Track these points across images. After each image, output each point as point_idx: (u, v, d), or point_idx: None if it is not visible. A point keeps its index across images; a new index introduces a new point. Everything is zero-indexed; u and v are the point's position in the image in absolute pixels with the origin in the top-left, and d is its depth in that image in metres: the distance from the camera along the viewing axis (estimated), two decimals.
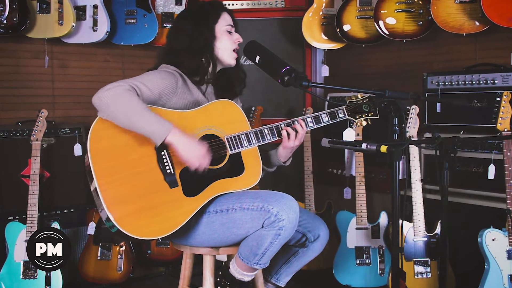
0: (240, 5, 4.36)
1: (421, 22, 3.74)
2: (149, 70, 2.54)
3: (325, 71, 4.50)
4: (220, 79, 2.70)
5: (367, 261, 3.64)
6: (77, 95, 4.19)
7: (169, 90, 2.44)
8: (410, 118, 3.34)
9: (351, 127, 2.69)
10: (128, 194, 2.26)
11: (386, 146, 2.03)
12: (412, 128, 3.35)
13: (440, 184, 2.21)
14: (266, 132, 2.50)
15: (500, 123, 3.01)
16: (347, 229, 3.67)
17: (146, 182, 2.30)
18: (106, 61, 4.35)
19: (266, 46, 2.49)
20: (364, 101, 2.56)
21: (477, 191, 3.29)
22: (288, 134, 2.53)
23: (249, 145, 2.48)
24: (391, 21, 3.84)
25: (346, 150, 3.88)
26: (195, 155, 2.30)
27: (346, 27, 4.07)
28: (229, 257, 2.71)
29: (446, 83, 3.47)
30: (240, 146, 2.47)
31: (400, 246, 2.16)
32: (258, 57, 2.43)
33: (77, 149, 3.81)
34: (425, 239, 3.34)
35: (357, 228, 3.66)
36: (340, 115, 2.57)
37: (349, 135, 3.66)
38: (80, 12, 3.92)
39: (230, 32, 2.62)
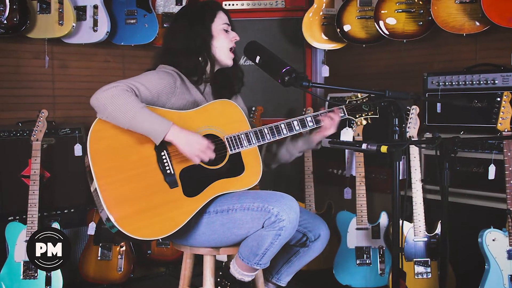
0: (241, 5, 4.36)
1: (421, 22, 3.74)
2: (147, 71, 2.55)
3: (325, 71, 4.50)
4: (218, 78, 2.70)
5: (367, 261, 3.64)
6: (77, 95, 4.19)
7: (167, 90, 2.44)
8: (411, 118, 3.34)
9: (351, 126, 2.69)
10: (128, 195, 2.26)
11: (387, 146, 2.03)
12: (413, 128, 3.35)
13: (441, 184, 2.21)
14: (266, 131, 2.50)
15: (500, 123, 3.01)
16: (347, 229, 3.67)
17: (146, 182, 2.30)
18: (106, 61, 4.35)
19: (266, 46, 2.48)
20: (364, 100, 2.56)
21: (477, 191, 3.29)
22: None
23: (249, 145, 2.48)
24: (391, 21, 3.84)
25: (346, 150, 3.88)
26: (197, 149, 2.30)
27: (346, 27, 4.07)
28: (229, 257, 2.71)
29: (447, 83, 3.47)
30: (240, 146, 2.47)
31: (400, 246, 2.16)
32: (258, 57, 2.43)
33: (78, 149, 3.81)
34: (426, 239, 3.34)
35: (357, 228, 3.66)
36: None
37: (347, 134, 3.66)
38: (80, 12, 3.93)
39: (226, 31, 2.63)
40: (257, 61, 2.44)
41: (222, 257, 2.86)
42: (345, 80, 4.58)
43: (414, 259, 3.34)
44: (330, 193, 4.14)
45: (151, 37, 4.09)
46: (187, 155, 2.31)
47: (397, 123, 2.14)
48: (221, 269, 2.52)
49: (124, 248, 3.79)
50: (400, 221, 2.11)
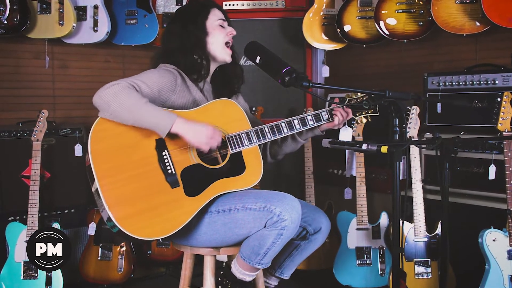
0: (241, 5, 4.36)
1: (421, 23, 3.74)
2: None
3: (325, 71, 4.50)
4: (217, 77, 2.70)
5: (367, 262, 3.63)
6: (77, 96, 4.19)
7: (168, 88, 2.44)
8: (411, 118, 3.34)
9: (351, 126, 2.69)
10: (129, 195, 2.26)
11: (387, 147, 2.03)
12: (413, 129, 3.35)
13: (441, 184, 2.21)
14: (267, 130, 2.51)
15: (500, 123, 3.01)
16: (347, 230, 3.67)
17: (148, 182, 2.30)
18: (106, 61, 4.35)
19: (267, 47, 2.48)
20: (364, 99, 2.56)
21: (478, 191, 3.29)
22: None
23: (249, 144, 2.49)
24: (391, 21, 3.84)
25: (346, 151, 3.88)
26: (205, 137, 2.31)
27: (346, 28, 4.07)
28: (230, 257, 2.72)
29: (447, 84, 3.47)
30: (241, 145, 2.47)
31: (400, 246, 2.16)
32: (258, 58, 2.43)
33: (78, 150, 3.81)
34: (426, 239, 3.34)
35: (357, 229, 3.66)
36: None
37: (346, 134, 3.66)
38: (80, 12, 3.93)
39: (222, 26, 2.63)
40: (257, 61, 2.44)
41: (223, 257, 2.86)
42: (346, 80, 4.58)
43: (415, 259, 3.34)
44: (330, 193, 4.15)
45: (151, 37, 4.09)
46: (196, 145, 2.32)
47: (397, 123, 2.14)
48: (222, 268, 2.52)
49: (124, 248, 3.79)
50: (401, 221, 2.10)
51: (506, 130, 3.01)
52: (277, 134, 2.52)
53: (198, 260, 2.63)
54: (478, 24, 3.46)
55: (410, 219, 3.36)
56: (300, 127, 2.55)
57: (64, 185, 3.80)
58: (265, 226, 2.30)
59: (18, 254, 3.37)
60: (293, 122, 2.54)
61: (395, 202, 2.09)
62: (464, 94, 3.40)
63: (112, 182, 2.25)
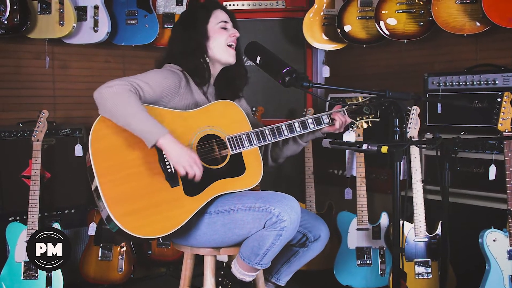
0: (241, 5, 4.36)
1: (422, 23, 3.74)
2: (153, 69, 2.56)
3: (326, 71, 4.50)
4: (221, 78, 2.70)
5: (368, 262, 3.63)
6: (78, 96, 4.20)
7: (171, 89, 2.44)
8: (411, 118, 3.34)
9: (351, 128, 2.69)
10: (129, 193, 2.26)
11: (387, 147, 2.03)
12: (413, 129, 3.35)
13: (441, 184, 2.21)
14: (267, 132, 2.51)
15: (501, 123, 3.01)
16: (348, 230, 3.67)
17: (147, 181, 2.30)
18: (107, 61, 4.35)
19: (267, 47, 2.49)
20: (365, 103, 2.56)
21: (478, 191, 3.29)
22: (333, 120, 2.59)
23: (250, 145, 2.49)
24: (392, 21, 3.84)
25: (347, 151, 3.88)
26: (184, 162, 2.28)
27: (347, 28, 4.07)
28: (230, 257, 2.72)
29: (447, 84, 3.47)
30: (241, 147, 2.48)
31: (401, 246, 2.16)
32: (259, 58, 2.43)
33: (78, 150, 3.81)
34: (426, 239, 3.34)
35: (358, 229, 3.66)
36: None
37: (350, 137, 3.66)
38: (81, 12, 3.93)
39: (225, 28, 2.62)
40: (257, 61, 2.44)
41: (223, 258, 2.86)
42: (346, 80, 4.58)
43: (415, 260, 3.34)
44: (330, 194, 4.15)
45: (151, 38, 4.09)
46: (174, 164, 2.29)
47: (397, 124, 2.15)
48: (223, 268, 2.52)
49: (124, 248, 3.79)
50: (401, 222, 2.11)
51: (507, 130, 3.01)
52: (277, 136, 2.52)
53: (199, 261, 2.63)
54: (478, 24, 3.46)
55: (411, 219, 3.36)
56: (301, 130, 2.55)
57: (64, 185, 3.80)
58: (264, 227, 2.30)
59: (19, 254, 3.37)
60: (294, 125, 2.54)
61: (395, 202, 2.09)
62: (465, 94, 3.40)
63: (112, 180, 2.25)
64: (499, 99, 3.11)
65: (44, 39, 3.91)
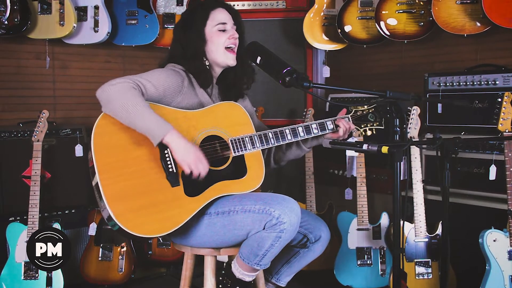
0: (242, 5, 4.36)
1: (422, 23, 3.74)
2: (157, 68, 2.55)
3: (326, 72, 4.50)
4: (223, 78, 2.69)
5: (368, 262, 3.63)
6: (78, 96, 4.20)
7: (174, 89, 2.44)
8: (411, 119, 3.34)
9: (353, 136, 2.70)
10: (129, 191, 2.26)
11: (387, 147, 2.03)
12: (413, 129, 3.34)
13: (441, 185, 2.21)
14: (271, 136, 2.50)
15: (501, 123, 3.01)
16: (348, 230, 3.67)
17: (148, 179, 2.30)
18: (107, 62, 4.35)
19: (267, 47, 2.48)
20: (370, 111, 2.55)
21: (478, 191, 3.29)
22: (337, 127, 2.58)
23: (252, 148, 2.48)
24: (392, 22, 3.84)
25: (347, 151, 3.88)
26: (189, 160, 2.28)
27: (347, 28, 4.07)
28: (230, 257, 2.72)
29: (447, 84, 3.47)
30: (243, 149, 2.47)
31: (401, 247, 2.16)
32: (259, 58, 2.43)
33: (78, 150, 3.81)
34: (426, 240, 3.34)
35: (358, 229, 3.66)
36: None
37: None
38: (81, 13, 3.93)
39: (224, 30, 2.57)
40: (258, 61, 2.44)
41: (223, 258, 2.86)
42: (346, 80, 4.58)
43: (415, 260, 3.34)
44: (331, 194, 4.15)
45: (151, 38, 4.10)
46: (180, 161, 2.28)
47: (398, 124, 2.14)
48: (224, 268, 2.52)
49: (125, 248, 3.79)
50: (401, 222, 2.10)
51: (507, 131, 3.01)
52: (280, 140, 2.51)
53: (199, 261, 2.63)
54: (478, 24, 3.46)
55: (411, 220, 3.36)
56: (304, 135, 2.54)
57: (64, 186, 3.80)
58: (264, 228, 2.30)
59: (19, 254, 3.37)
60: (298, 130, 2.53)
61: (395, 202, 2.09)
62: (465, 95, 3.40)
63: (112, 177, 2.25)
64: (499, 99, 3.11)
65: (44, 39, 3.91)
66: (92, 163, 2.26)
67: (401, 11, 3.80)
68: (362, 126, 2.59)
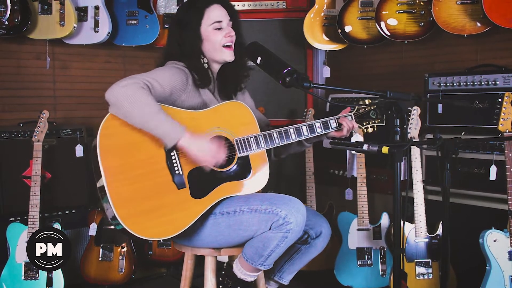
0: (242, 6, 4.36)
1: (422, 23, 3.74)
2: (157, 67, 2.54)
3: (326, 72, 4.50)
4: (222, 73, 2.67)
5: (368, 262, 3.63)
6: (78, 96, 4.20)
7: (179, 86, 2.43)
8: (412, 119, 3.34)
9: (354, 131, 2.70)
10: (135, 194, 2.26)
11: (388, 147, 2.03)
12: (414, 129, 3.34)
13: (442, 185, 2.21)
14: (275, 136, 2.50)
15: (501, 124, 3.00)
16: (348, 230, 3.67)
17: (154, 182, 2.30)
18: (107, 62, 4.35)
19: (268, 47, 2.48)
20: (372, 108, 2.56)
21: (479, 192, 3.28)
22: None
23: (257, 148, 2.48)
24: (392, 22, 3.84)
25: (347, 151, 3.88)
26: (209, 155, 2.31)
27: (347, 28, 4.07)
28: (231, 257, 2.72)
29: (448, 84, 3.47)
30: (248, 149, 2.47)
31: (401, 247, 2.16)
32: (259, 58, 2.43)
33: (79, 150, 3.81)
34: (427, 240, 3.34)
35: (358, 229, 3.66)
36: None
37: (357, 139, 3.66)
38: (81, 13, 3.93)
39: (219, 28, 2.55)
40: (258, 62, 2.44)
41: (223, 258, 2.86)
42: (346, 81, 4.58)
43: (415, 260, 3.33)
44: (331, 194, 4.15)
45: (152, 38, 4.09)
46: (200, 161, 2.31)
47: (398, 124, 2.14)
48: (224, 268, 2.52)
49: (125, 249, 3.78)
50: (401, 222, 2.10)
51: (507, 131, 3.01)
52: (285, 139, 2.51)
53: (199, 261, 2.63)
54: (479, 24, 3.46)
55: (411, 220, 3.36)
56: (308, 134, 2.55)
57: (65, 186, 3.80)
58: (270, 229, 2.30)
59: (19, 254, 3.36)
60: (302, 129, 2.53)
61: (396, 202, 2.09)
62: (465, 95, 3.40)
63: (119, 180, 2.25)
64: (499, 100, 3.11)
65: (44, 40, 3.91)
66: (97, 164, 2.25)
67: (402, 12, 3.80)
68: (364, 124, 2.59)
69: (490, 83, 3.30)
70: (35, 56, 4.00)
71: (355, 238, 3.66)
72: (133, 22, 4.09)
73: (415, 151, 3.34)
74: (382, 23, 3.86)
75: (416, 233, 3.33)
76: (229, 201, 2.42)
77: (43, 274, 3.35)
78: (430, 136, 3.48)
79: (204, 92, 2.56)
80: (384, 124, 2.56)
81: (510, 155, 2.98)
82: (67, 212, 3.83)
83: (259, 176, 2.50)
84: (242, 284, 2.43)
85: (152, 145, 2.31)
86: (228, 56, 2.58)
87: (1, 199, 3.59)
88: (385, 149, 2.04)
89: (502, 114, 3.00)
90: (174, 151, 2.34)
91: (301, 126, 2.54)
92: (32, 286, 3.36)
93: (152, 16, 4.08)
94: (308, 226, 2.59)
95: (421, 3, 3.74)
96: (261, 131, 2.53)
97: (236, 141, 2.46)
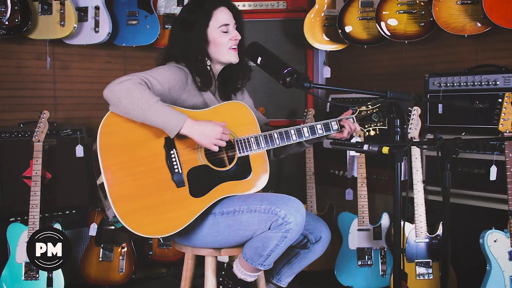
0: (242, 6, 4.36)
1: (422, 23, 3.74)
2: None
3: (326, 72, 4.50)
4: (222, 73, 2.68)
5: (369, 262, 3.63)
6: (78, 96, 4.20)
7: (179, 85, 2.43)
8: (412, 119, 3.34)
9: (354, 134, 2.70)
10: (134, 191, 2.26)
11: (388, 147, 2.03)
12: (414, 129, 3.34)
13: (442, 185, 2.21)
14: (276, 136, 2.50)
15: (502, 124, 3.00)
16: (349, 230, 3.67)
17: (153, 180, 2.30)
18: (107, 62, 4.35)
19: (268, 47, 2.48)
20: (374, 111, 2.56)
21: (479, 192, 3.28)
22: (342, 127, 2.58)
23: (258, 148, 2.48)
24: (392, 22, 3.84)
25: (347, 151, 3.88)
26: (213, 137, 2.31)
27: (348, 28, 4.07)
28: (231, 257, 2.72)
29: (448, 84, 3.47)
30: (249, 149, 2.47)
31: (402, 247, 2.16)
32: (259, 58, 2.43)
33: (79, 150, 3.81)
34: (427, 240, 3.34)
35: (359, 229, 3.66)
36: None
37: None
38: (81, 13, 3.93)
39: (226, 31, 2.56)
40: (258, 62, 2.44)
41: (223, 258, 2.86)
42: (347, 81, 4.58)
43: (416, 260, 3.34)
44: (331, 194, 4.15)
45: (152, 38, 4.09)
46: (205, 145, 2.31)
47: (398, 124, 2.15)
48: (224, 268, 2.52)
49: (125, 249, 3.79)
50: (402, 222, 2.10)
51: (507, 131, 3.01)
52: (285, 140, 2.51)
53: (199, 261, 2.63)
54: (479, 25, 3.46)
55: (411, 220, 3.36)
56: (309, 135, 2.55)
57: (65, 186, 3.80)
58: (269, 228, 2.30)
59: (19, 255, 3.37)
60: (303, 130, 2.53)
61: (396, 203, 2.09)
62: (465, 95, 3.40)
63: (118, 177, 2.25)
64: (500, 100, 3.11)
65: (45, 40, 3.91)
66: (97, 162, 2.26)
67: (402, 12, 3.80)
68: (366, 126, 2.59)
69: (490, 83, 3.30)
70: (36, 56, 4.00)
71: (356, 238, 3.66)
72: (134, 22, 4.09)
73: (416, 151, 3.34)
74: (383, 23, 3.86)
75: (416, 233, 3.33)
76: (229, 201, 2.42)
77: (43, 274, 3.35)
78: (430, 136, 3.48)
79: (206, 92, 2.56)
80: (386, 128, 2.56)
81: (510, 155, 2.98)
82: (67, 212, 3.83)
83: (259, 176, 2.50)
84: (242, 284, 2.43)
85: (151, 143, 2.32)
86: (233, 57, 2.59)
87: (2, 199, 3.59)
88: (385, 149, 2.04)
89: (503, 115, 3.00)
90: (174, 149, 2.35)
91: (302, 127, 2.53)
92: (32, 286, 3.36)
93: (153, 16, 4.08)
94: (308, 230, 2.60)
95: (422, 3, 3.74)
96: (260, 130, 2.53)
97: (237, 141, 2.46)
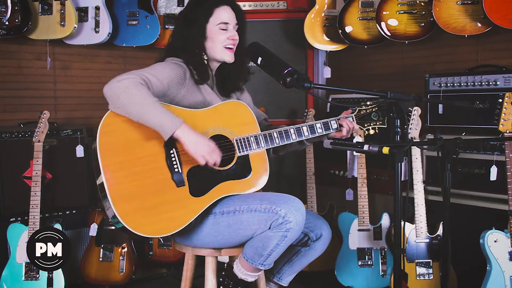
0: (242, 6, 4.34)
1: (423, 24, 3.74)
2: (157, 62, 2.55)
3: (327, 72, 4.50)
4: (220, 72, 2.69)
5: (369, 263, 3.63)
6: (79, 97, 4.20)
7: (177, 81, 2.44)
8: (412, 119, 3.34)
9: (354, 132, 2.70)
10: (134, 191, 2.26)
11: (388, 148, 2.03)
12: (414, 130, 3.34)
13: (442, 185, 2.21)
14: (275, 135, 2.50)
15: (502, 124, 3.00)
16: (349, 231, 3.67)
17: (153, 179, 2.31)
18: (108, 62, 4.35)
19: (268, 48, 2.49)
20: (373, 110, 2.56)
21: (479, 192, 3.28)
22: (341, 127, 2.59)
23: (257, 148, 2.48)
24: (393, 22, 3.84)
25: (348, 152, 3.88)
26: (203, 152, 2.29)
27: (348, 29, 4.07)
28: (231, 258, 2.71)
29: (448, 85, 3.47)
30: (248, 149, 2.47)
31: (402, 247, 2.16)
32: (260, 59, 2.43)
33: (79, 151, 3.81)
34: (427, 240, 3.33)
35: (359, 230, 3.66)
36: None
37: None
38: (82, 13, 3.93)
39: (224, 29, 2.57)
40: (258, 62, 2.44)
41: (224, 258, 2.86)
42: (347, 81, 4.58)
43: (416, 260, 3.34)
44: (331, 194, 4.14)
45: (152, 39, 4.10)
46: (193, 154, 2.30)
47: (399, 124, 2.15)
48: (224, 269, 2.52)
49: (126, 249, 3.79)
50: (402, 222, 2.10)
51: (508, 131, 3.01)
52: (285, 139, 2.52)
53: (200, 261, 2.63)
54: (479, 25, 3.46)
55: (412, 220, 3.36)
56: (309, 134, 2.55)
57: (65, 186, 3.80)
58: (269, 228, 2.30)
59: (20, 255, 3.37)
60: (302, 129, 2.54)
61: (396, 203, 2.09)
62: (466, 95, 3.40)
63: (118, 177, 2.25)
64: (500, 100, 3.11)
65: (45, 40, 3.91)
66: (97, 161, 2.26)
67: (402, 12, 3.80)
68: (366, 126, 2.59)
69: (490, 83, 3.30)
70: (36, 57, 4.01)
71: (356, 239, 3.66)
72: (134, 22, 4.09)
73: (416, 152, 3.34)
74: (383, 24, 3.86)
75: (416, 234, 3.33)
76: (229, 201, 2.42)
77: (43, 275, 3.35)
78: (430, 137, 3.48)
79: (204, 88, 2.56)
80: (385, 126, 2.56)
81: (510, 155, 2.98)
82: (67, 212, 3.83)
83: (259, 176, 2.50)
84: (243, 285, 2.43)
85: (151, 143, 2.32)
86: (228, 57, 2.59)
87: (2, 199, 3.59)
88: (385, 150, 2.04)
89: (503, 115, 3.00)
90: (174, 149, 2.35)
91: (302, 127, 2.54)
92: (32, 287, 3.36)
93: (153, 17, 4.08)
94: (308, 228, 2.60)
95: (422, 3, 3.74)
96: (259, 126, 2.54)
97: (236, 140, 2.47)
